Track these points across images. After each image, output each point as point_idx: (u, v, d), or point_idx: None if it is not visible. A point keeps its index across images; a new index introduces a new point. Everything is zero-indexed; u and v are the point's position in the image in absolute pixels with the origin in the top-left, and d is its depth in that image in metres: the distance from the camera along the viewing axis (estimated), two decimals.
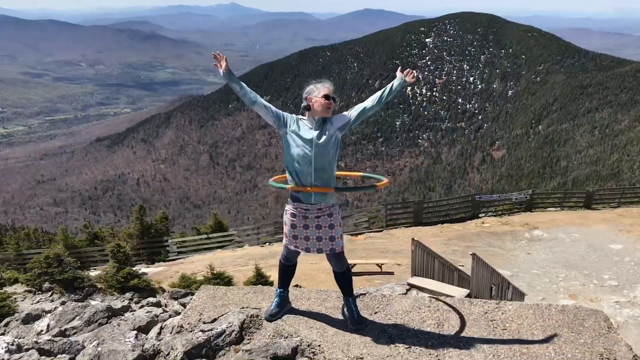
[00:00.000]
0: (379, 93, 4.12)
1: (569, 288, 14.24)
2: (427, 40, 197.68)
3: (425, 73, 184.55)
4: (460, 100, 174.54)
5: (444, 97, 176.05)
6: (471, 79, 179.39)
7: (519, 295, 11.64)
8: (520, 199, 25.54)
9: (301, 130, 3.98)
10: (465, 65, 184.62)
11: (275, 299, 4.35)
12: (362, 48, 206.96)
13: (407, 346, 3.86)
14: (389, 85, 4.18)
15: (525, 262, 16.57)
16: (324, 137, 3.92)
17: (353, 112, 4.05)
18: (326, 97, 3.93)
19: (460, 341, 3.92)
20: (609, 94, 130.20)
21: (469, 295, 10.32)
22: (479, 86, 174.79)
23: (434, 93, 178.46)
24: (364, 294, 4.84)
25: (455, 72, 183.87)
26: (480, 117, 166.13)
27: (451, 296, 8.27)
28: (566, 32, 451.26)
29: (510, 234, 20.14)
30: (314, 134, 3.93)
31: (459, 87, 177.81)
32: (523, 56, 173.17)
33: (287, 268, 4.40)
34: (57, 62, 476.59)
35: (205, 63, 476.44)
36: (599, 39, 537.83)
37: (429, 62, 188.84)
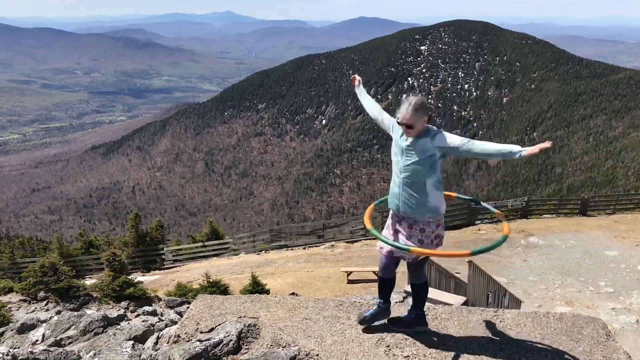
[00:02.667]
0: (495, 148, 3.54)
1: (565, 295, 14.25)
2: (422, 47, 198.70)
3: (420, 80, 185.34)
4: (455, 108, 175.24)
5: (440, 105, 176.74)
6: (466, 86, 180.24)
7: (516, 302, 11.64)
8: (516, 205, 25.58)
9: (395, 133, 3.92)
10: (460, 73, 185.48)
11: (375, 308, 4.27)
12: (357, 55, 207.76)
13: (406, 355, 3.84)
14: (512, 150, 3.47)
15: (521, 269, 16.58)
16: (415, 148, 3.73)
17: (460, 145, 3.62)
18: (399, 124, 3.75)
19: (458, 350, 3.91)
20: (603, 100, 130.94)
21: (465, 303, 10.31)
22: (474, 93, 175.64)
23: (429, 100, 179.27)
24: (361, 303, 4.82)
25: (450, 79, 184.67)
26: (475, 124, 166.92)
27: (448, 304, 8.26)
28: (560, 39, 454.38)
29: (506, 241, 20.14)
30: (406, 141, 3.79)
31: (454, 94, 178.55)
32: (517, 63, 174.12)
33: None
34: (53, 70, 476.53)
35: (201, 71, 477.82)
36: (593, 47, 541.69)
37: (423, 70, 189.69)
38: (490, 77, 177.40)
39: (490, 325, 4.28)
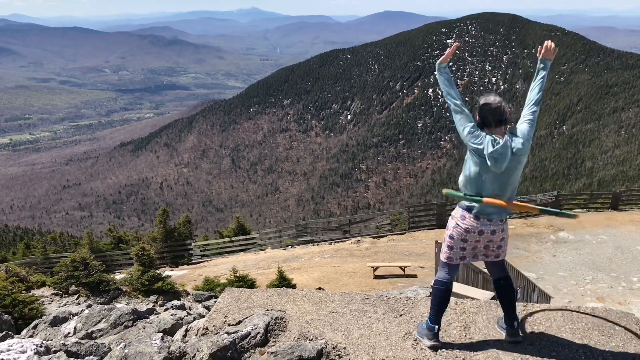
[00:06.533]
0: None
1: (596, 290, 13.99)
2: (448, 41, 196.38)
3: None
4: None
5: (466, 98, 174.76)
6: (493, 79, 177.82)
7: (545, 298, 11.46)
8: (545, 200, 25.18)
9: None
10: (487, 66, 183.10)
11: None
12: (382, 50, 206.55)
13: None
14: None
15: (550, 265, 16.32)
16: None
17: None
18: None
19: (487, 344, 3.87)
20: (635, 92, 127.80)
21: (494, 298, 10.20)
22: (502, 87, 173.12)
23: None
24: (388, 297, 4.80)
25: (477, 72, 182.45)
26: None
27: (476, 299, 8.17)
28: (590, 30, 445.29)
29: (535, 235, 19.87)
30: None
31: (482, 87, 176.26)
32: None
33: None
34: (82, 68, 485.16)
35: (226, 67, 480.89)
36: (625, 37, 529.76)
37: (450, 63, 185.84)
38: (519, 70, 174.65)
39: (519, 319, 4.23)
